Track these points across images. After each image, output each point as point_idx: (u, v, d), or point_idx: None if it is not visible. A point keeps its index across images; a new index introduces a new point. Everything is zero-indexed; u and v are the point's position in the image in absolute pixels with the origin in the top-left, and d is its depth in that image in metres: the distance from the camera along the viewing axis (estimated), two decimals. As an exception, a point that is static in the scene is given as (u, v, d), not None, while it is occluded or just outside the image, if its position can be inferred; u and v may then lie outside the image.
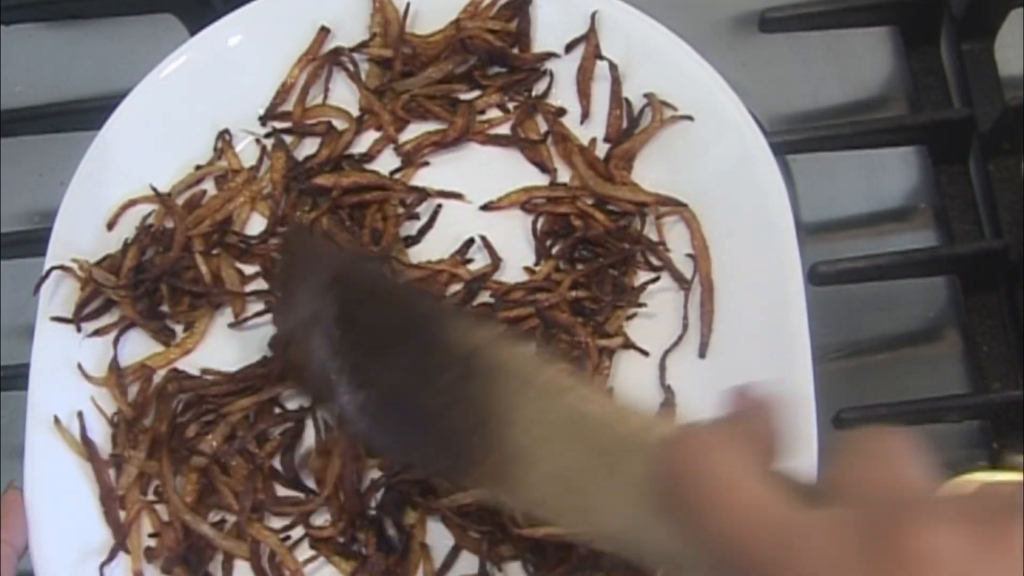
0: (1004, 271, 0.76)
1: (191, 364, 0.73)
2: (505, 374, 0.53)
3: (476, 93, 0.78)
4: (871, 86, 0.84)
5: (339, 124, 0.78)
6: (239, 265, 0.76)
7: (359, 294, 0.64)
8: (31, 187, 0.86)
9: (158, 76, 0.77)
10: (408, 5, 0.78)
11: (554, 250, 0.73)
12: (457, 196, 0.76)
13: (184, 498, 0.70)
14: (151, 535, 0.70)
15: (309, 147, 0.78)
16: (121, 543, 0.69)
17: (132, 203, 0.76)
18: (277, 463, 0.71)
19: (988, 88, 0.81)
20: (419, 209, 0.75)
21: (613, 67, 0.76)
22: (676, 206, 0.73)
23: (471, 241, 0.74)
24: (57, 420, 0.71)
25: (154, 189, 0.76)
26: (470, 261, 0.74)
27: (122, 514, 0.70)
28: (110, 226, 0.76)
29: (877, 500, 0.38)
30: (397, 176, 0.76)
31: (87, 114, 0.81)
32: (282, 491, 0.70)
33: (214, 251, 0.76)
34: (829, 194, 0.81)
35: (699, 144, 0.74)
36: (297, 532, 0.69)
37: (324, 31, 0.78)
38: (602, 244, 0.73)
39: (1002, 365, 0.75)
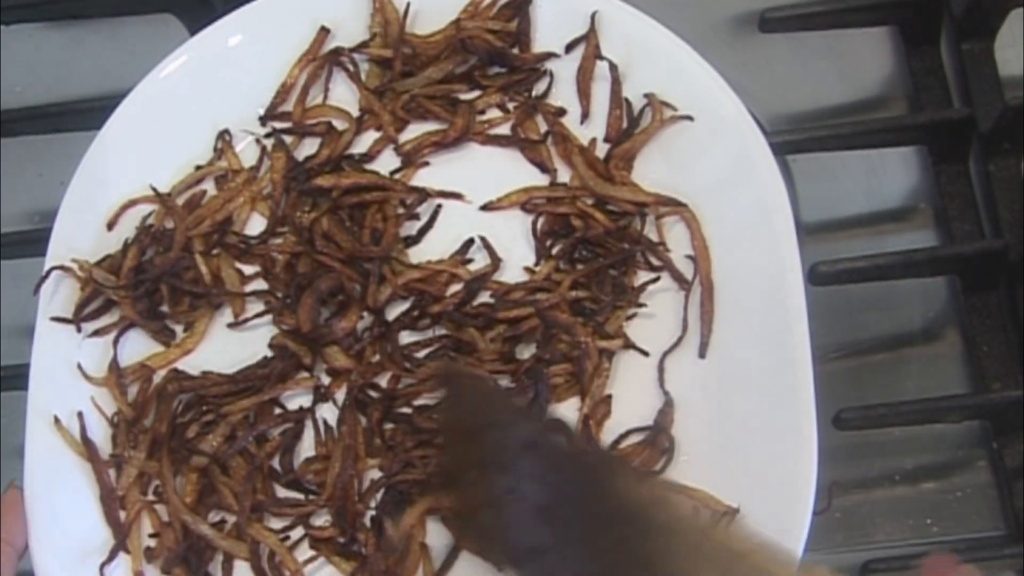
0: (1004, 271, 0.76)
1: (191, 364, 0.73)
2: (679, 531, 0.52)
3: (476, 93, 0.78)
4: (871, 86, 0.84)
5: (339, 124, 0.78)
6: (239, 265, 0.76)
7: (527, 450, 0.62)
8: (31, 187, 0.86)
9: (158, 76, 0.77)
10: (408, 5, 0.78)
11: (554, 250, 0.73)
12: (457, 196, 0.76)
13: (184, 498, 0.70)
14: (151, 535, 0.70)
15: (309, 147, 0.78)
16: (121, 543, 0.69)
17: (132, 203, 0.76)
18: (277, 463, 0.71)
19: (988, 88, 0.81)
20: (419, 209, 0.75)
21: (613, 67, 0.76)
22: (676, 206, 0.73)
23: (471, 241, 0.74)
24: (57, 420, 0.71)
25: (154, 189, 0.76)
26: (470, 261, 0.74)
27: (122, 514, 0.70)
28: (110, 226, 0.76)
29: None
30: (397, 176, 0.76)
31: (87, 114, 0.81)
32: (282, 492, 0.70)
33: (214, 251, 0.76)
34: (829, 194, 0.81)
35: (699, 144, 0.74)
36: (297, 532, 0.69)
37: (324, 31, 0.78)
38: (602, 244, 0.73)
39: (1002, 365, 0.75)
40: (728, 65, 0.74)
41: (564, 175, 0.75)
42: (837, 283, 0.75)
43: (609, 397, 0.70)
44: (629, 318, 0.72)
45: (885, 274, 0.76)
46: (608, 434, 0.69)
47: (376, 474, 0.70)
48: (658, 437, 0.68)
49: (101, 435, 0.72)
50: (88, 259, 0.74)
